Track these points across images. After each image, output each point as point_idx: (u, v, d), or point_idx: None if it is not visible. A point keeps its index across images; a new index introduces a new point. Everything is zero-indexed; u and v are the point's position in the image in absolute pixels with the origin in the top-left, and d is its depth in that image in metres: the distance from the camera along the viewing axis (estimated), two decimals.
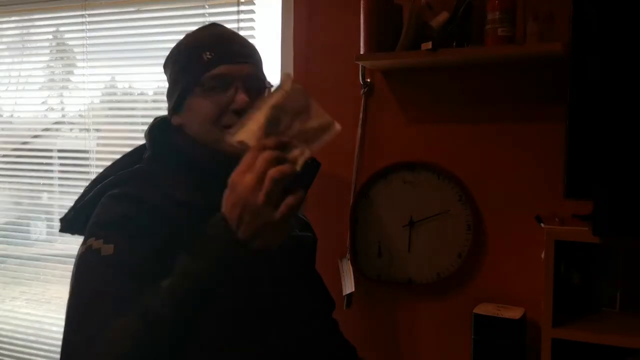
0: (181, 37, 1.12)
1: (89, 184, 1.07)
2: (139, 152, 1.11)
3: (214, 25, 1.11)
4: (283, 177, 0.77)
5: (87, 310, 0.85)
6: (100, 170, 1.12)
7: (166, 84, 1.11)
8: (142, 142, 1.13)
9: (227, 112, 1.01)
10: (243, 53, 1.06)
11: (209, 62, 1.01)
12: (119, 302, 0.84)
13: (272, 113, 0.81)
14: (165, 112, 1.14)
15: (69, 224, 1.04)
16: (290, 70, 1.80)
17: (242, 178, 0.78)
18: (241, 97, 1.00)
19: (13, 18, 2.32)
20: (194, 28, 1.10)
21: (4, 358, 2.39)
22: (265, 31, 1.89)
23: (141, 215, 0.93)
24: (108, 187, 0.99)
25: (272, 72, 1.75)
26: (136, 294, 0.84)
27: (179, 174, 1.01)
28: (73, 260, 1.04)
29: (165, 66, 1.11)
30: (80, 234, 1.04)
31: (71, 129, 2.33)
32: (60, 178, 2.27)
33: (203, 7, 1.94)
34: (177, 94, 1.04)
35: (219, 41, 1.05)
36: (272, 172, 0.77)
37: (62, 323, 0.90)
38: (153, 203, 0.94)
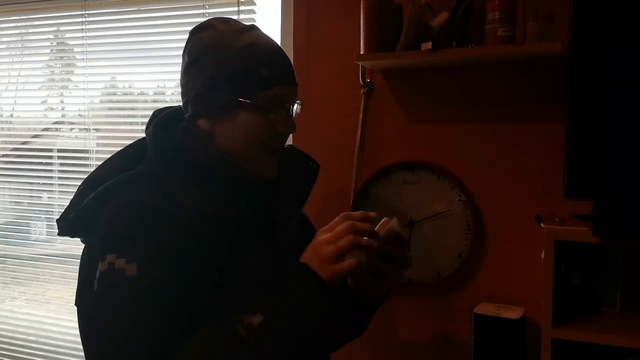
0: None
1: (84, 185, 1.03)
2: (136, 150, 1.06)
3: (257, 31, 1.06)
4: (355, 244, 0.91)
5: (128, 335, 0.84)
6: None
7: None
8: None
9: (274, 134, 1.01)
10: (293, 73, 1.05)
11: (267, 80, 0.98)
12: (153, 323, 0.85)
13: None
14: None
15: (69, 227, 1.01)
16: None
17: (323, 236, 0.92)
18: (292, 123, 1.04)
19: (13, 18, 2.32)
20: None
21: (4, 358, 2.39)
22: (265, 31, 1.88)
23: (155, 224, 0.91)
24: (112, 191, 0.96)
25: None
26: (167, 312, 0.86)
27: (186, 178, 0.98)
28: (73, 260, 1.03)
29: (198, 61, 1.01)
30: (80, 237, 1.02)
31: (71, 129, 2.33)
32: (60, 178, 2.28)
33: (203, 7, 1.94)
34: (219, 102, 0.99)
35: (275, 57, 1.02)
36: (349, 238, 0.90)
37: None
38: (163, 209, 0.93)
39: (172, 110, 1.08)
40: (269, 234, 1.03)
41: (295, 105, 1.06)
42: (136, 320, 0.84)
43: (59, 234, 1.03)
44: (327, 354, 1.16)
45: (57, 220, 1.02)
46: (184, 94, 1.04)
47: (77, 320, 1.02)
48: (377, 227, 0.99)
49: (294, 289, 0.89)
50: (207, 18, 1.08)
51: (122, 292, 0.87)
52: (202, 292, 0.91)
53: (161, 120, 1.05)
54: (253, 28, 1.05)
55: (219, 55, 0.99)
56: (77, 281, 1.02)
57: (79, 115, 2.25)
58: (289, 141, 1.78)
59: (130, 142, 1.11)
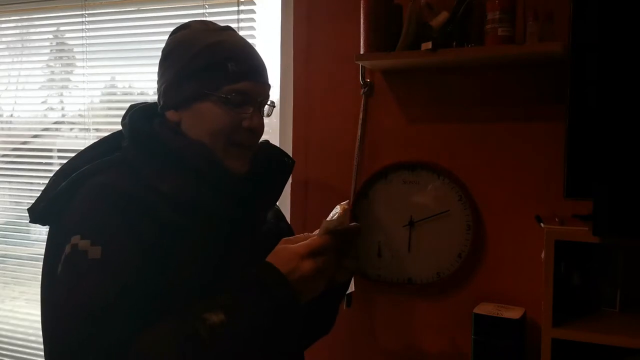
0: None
1: (56, 175, 1.02)
2: (110, 143, 1.06)
3: (231, 31, 1.07)
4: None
5: (86, 319, 0.83)
6: None
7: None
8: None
9: (240, 129, 1.01)
10: (264, 72, 1.06)
11: (233, 74, 0.99)
12: (112, 309, 0.83)
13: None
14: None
15: (41, 215, 1.00)
16: (290, 70, 1.80)
17: (302, 263, 0.90)
18: (258, 120, 1.03)
19: (13, 18, 2.32)
20: None
21: (4, 358, 2.39)
22: (265, 31, 1.89)
23: (126, 209, 0.90)
24: (85, 176, 0.96)
25: (272, 72, 1.75)
26: (128, 298, 0.85)
27: (163, 167, 0.98)
28: None
29: (170, 55, 1.04)
30: (51, 224, 1.00)
31: (71, 129, 2.33)
32: None
33: (203, 7, 1.94)
34: (186, 93, 1.00)
35: (244, 53, 1.03)
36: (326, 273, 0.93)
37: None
38: (136, 195, 0.92)
39: (149, 104, 1.09)
40: (245, 226, 1.03)
41: (267, 106, 1.06)
42: (97, 306, 0.83)
43: (30, 222, 1.02)
44: (295, 351, 1.15)
45: (29, 209, 1.01)
46: (158, 88, 1.06)
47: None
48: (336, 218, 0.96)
49: (261, 289, 0.87)
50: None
51: (84, 276, 0.85)
52: (173, 281, 0.90)
53: (137, 112, 1.06)
54: (228, 29, 1.07)
55: (189, 50, 1.02)
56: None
57: (79, 115, 2.25)
58: (288, 141, 1.79)
59: None
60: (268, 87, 1.07)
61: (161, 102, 1.05)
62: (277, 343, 0.90)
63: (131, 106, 1.08)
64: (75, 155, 1.06)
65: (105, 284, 0.84)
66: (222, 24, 1.09)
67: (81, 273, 0.86)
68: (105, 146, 1.06)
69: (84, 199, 0.93)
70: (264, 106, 1.06)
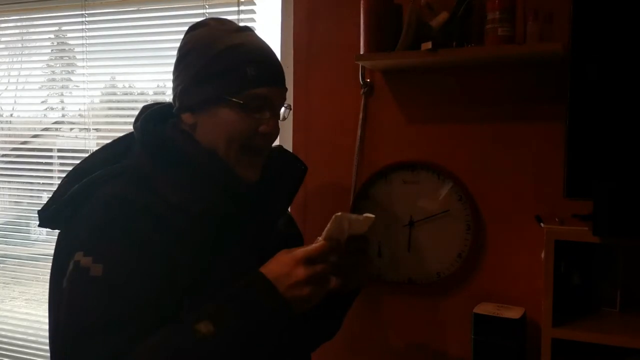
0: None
1: (68, 177, 1.02)
2: (122, 144, 1.06)
3: (249, 32, 1.06)
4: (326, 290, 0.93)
5: (81, 336, 0.84)
6: None
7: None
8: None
9: (256, 134, 1.00)
10: (282, 76, 1.05)
11: (252, 78, 0.98)
12: (108, 326, 0.84)
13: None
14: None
15: (49, 219, 0.99)
16: (290, 70, 1.80)
17: (296, 269, 0.88)
18: (274, 125, 1.02)
19: (13, 18, 2.32)
20: None
21: (4, 358, 2.39)
22: (265, 31, 1.89)
23: (134, 221, 0.90)
24: (95, 184, 0.95)
25: None
26: (126, 317, 0.85)
27: (171, 173, 0.97)
28: None
29: (187, 56, 1.03)
30: (60, 228, 1.01)
31: (71, 129, 2.33)
32: (60, 178, 2.27)
33: (203, 7, 1.94)
34: (203, 96, 0.99)
35: (263, 58, 1.01)
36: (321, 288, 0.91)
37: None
38: (145, 205, 0.91)
39: (162, 106, 1.08)
40: (255, 233, 1.03)
41: (283, 109, 1.06)
42: (95, 324, 0.84)
43: (39, 225, 1.02)
44: (299, 355, 1.15)
45: (39, 212, 1.01)
46: (173, 88, 1.05)
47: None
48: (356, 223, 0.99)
49: (249, 299, 0.87)
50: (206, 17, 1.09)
51: (84, 293, 0.86)
52: (181, 292, 0.90)
53: (150, 114, 1.04)
54: (246, 29, 1.06)
55: (208, 52, 1.00)
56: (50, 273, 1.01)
57: (79, 115, 2.25)
58: (288, 141, 1.79)
59: None
60: (285, 90, 1.06)
61: (177, 104, 1.03)
62: (270, 352, 0.90)
63: (144, 107, 1.07)
64: (88, 157, 1.06)
65: (105, 301, 0.85)
66: (254, 31, 1.08)
67: (82, 290, 0.87)
68: (117, 148, 1.05)
69: (91, 212, 0.92)
70: (280, 109, 1.05)
